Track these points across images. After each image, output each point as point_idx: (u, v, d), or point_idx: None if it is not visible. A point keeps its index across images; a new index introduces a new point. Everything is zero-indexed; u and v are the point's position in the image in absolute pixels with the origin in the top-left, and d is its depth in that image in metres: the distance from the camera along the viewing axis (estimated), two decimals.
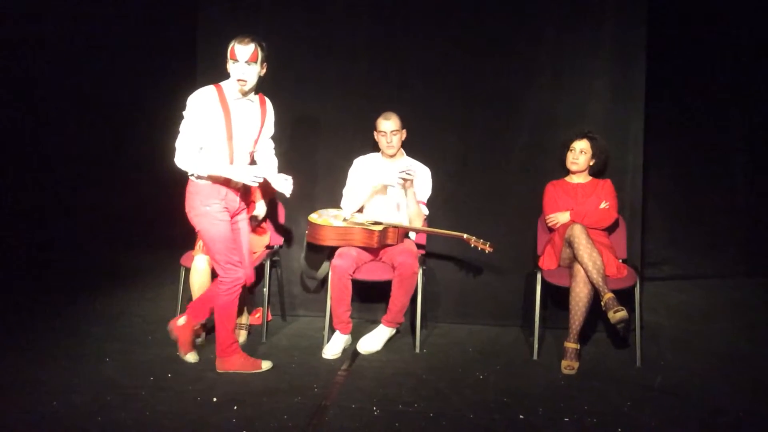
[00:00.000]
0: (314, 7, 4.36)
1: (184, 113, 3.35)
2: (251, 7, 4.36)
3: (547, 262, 3.98)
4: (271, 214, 4.24)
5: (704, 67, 5.16)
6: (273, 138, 3.70)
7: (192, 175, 3.40)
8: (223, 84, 3.39)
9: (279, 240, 4.32)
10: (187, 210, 3.45)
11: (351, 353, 3.88)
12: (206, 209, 3.40)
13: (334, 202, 4.19)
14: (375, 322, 4.09)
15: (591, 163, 4.05)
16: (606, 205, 3.95)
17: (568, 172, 4.10)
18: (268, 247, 4.22)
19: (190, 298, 4.04)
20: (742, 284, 5.20)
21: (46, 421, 3.00)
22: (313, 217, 3.94)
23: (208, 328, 3.93)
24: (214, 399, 3.24)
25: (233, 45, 3.30)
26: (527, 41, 4.25)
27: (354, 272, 3.88)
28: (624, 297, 3.63)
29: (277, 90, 3.82)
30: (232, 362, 3.55)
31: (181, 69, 4.65)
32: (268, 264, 4.05)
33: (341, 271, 3.82)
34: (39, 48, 5.93)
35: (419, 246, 4.20)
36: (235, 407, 3.15)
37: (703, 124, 5.28)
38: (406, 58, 4.34)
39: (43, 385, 3.34)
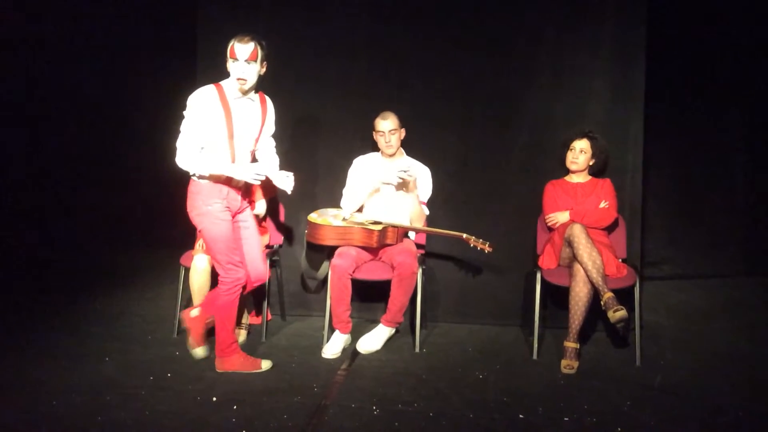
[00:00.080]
0: (314, 6, 4.36)
1: (184, 113, 3.35)
2: (251, 6, 4.36)
3: (547, 261, 3.98)
4: (272, 214, 4.25)
5: (704, 67, 5.16)
6: (273, 137, 3.70)
7: (193, 174, 3.40)
8: (223, 83, 3.39)
9: (279, 239, 4.32)
10: (188, 210, 3.45)
11: (351, 353, 3.88)
12: (208, 209, 3.40)
13: (334, 201, 4.20)
14: (375, 322, 4.09)
15: (591, 163, 4.05)
16: (606, 204, 3.95)
17: (567, 171, 4.10)
18: (268, 246, 4.22)
19: (190, 298, 4.05)
20: (742, 284, 5.20)
21: (46, 421, 2.99)
22: (313, 217, 3.94)
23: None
24: (214, 398, 3.24)
25: (233, 44, 3.30)
26: (527, 41, 4.25)
27: (354, 272, 3.88)
28: (624, 296, 3.63)
29: (276, 89, 3.82)
30: (232, 362, 3.55)
31: (181, 68, 4.65)
32: (267, 263, 4.05)
33: (341, 271, 3.82)
34: (39, 48, 5.94)
35: (419, 246, 4.20)
36: (235, 407, 3.15)
37: (703, 124, 5.28)
38: (406, 58, 4.34)
39: (43, 385, 3.35)
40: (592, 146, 4.01)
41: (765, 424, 3.05)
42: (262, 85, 3.52)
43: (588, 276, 3.63)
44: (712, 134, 5.32)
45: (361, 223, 3.90)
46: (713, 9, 5.02)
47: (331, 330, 3.95)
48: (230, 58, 3.32)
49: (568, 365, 3.61)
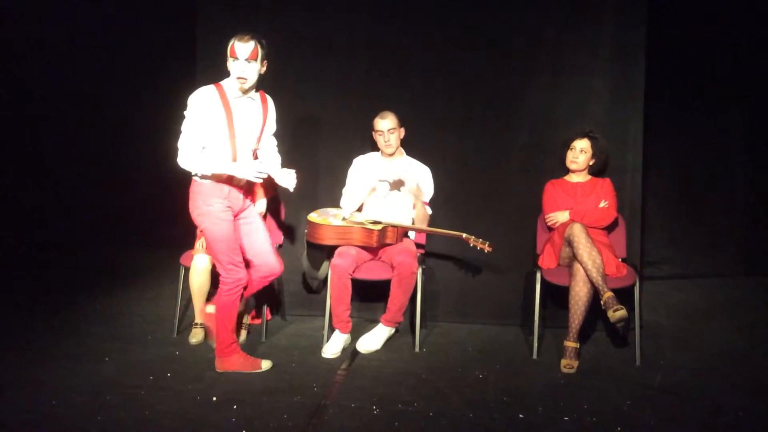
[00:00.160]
0: (314, 6, 4.36)
1: (185, 113, 3.34)
2: (251, 5, 4.36)
3: (547, 261, 3.98)
4: (272, 213, 4.25)
5: (704, 67, 5.16)
6: (274, 136, 3.70)
7: (195, 174, 3.40)
8: (224, 83, 3.39)
9: (279, 239, 4.31)
10: (190, 210, 3.46)
11: (350, 352, 3.88)
12: (209, 209, 3.40)
13: (334, 201, 4.20)
14: (374, 322, 4.09)
15: (591, 163, 4.05)
16: (605, 204, 3.95)
17: (567, 171, 4.10)
18: None
19: (190, 298, 4.05)
20: (742, 283, 5.20)
21: (46, 421, 2.99)
22: (313, 216, 3.94)
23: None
24: (214, 398, 3.24)
25: (233, 43, 3.30)
26: (527, 41, 4.25)
27: (354, 271, 3.88)
28: (623, 296, 3.63)
29: (276, 89, 3.82)
30: (232, 362, 3.55)
31: (181, 68, 4.64)
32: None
33: (341, 271, 3.82)
34: (39, 48, 5.94)
35: (419, 245, 4.20)
36: (235, 407, 3.15)
37: (703, 124, 5.28)
38: (405, 58, 4.34)
39: (43, 385, 3.34)
40: (593, 146, 4.01)
41: (765, 424, 3.05)
42: (262, 85, 3.52)
43: (588, 275, 3.63)
44: (712, 134, 5.32)
45: (361, 223, 3.90)
46: (713, 9, 5.02)
47: (331, 330, 3.95)
48: (230, 57, 3.31)
49: (568, 365, 3.61)
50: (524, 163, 4.31)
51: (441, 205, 4.28)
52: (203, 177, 3.38)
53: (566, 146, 4.06)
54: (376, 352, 3.90)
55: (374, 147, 4.18)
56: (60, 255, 5.87)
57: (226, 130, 3.36)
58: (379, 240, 3.88)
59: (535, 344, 3.82)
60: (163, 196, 5.00)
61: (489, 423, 3.03)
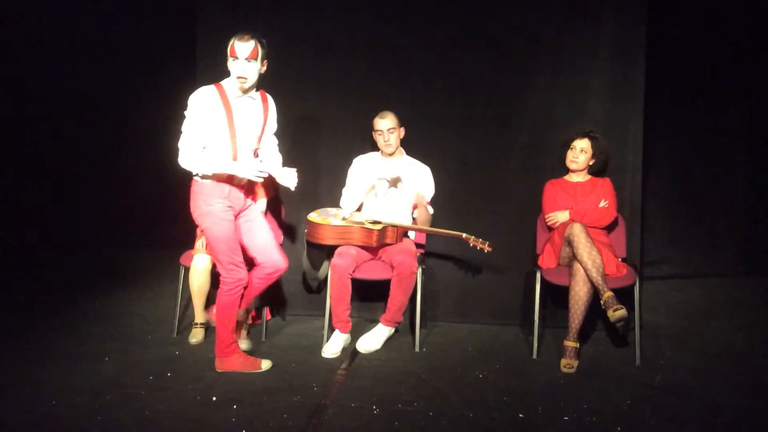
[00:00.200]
0: (314, 6, 4.36)
1: (185, 113, 3.34)
2: (251, 5, 4.36)
3: (547, 260, 3.98)
4: (273, 213, 4.24)
5: (704, 67, 5.17)
6: (275, 135, 3.70)
7: (196, 174, 3.40)
8: (224, 82, 3.39)
9: (279, 239, 4.31)
10: (191, 210, 3.46)
11: (350, 352, 3.88)
12: (209, 209, 3.40)
13: (335, 201, 4.20)
14: (374, 321, 4.09)
15: (591, 163, 4.05)
16: (605, 203, 3.95)
17: (567, 171, 4.10)
18: None
19: (190, 298, 4.05)
20: (741, 283, 5.20)
21: (46, 421, 2.99)
22: (313, 216, 3.94)
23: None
24: (214, 398, 3.24)
25: (233, 42, 3.30)
26: (527, 41, 4.25)
27: (353, 271, 3.88)
28: (623, 296, 3.63)
29: (276, 89, 3.82)
30: (232, 362, 3.55)
31: (181, 68, 4.64)
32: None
33: (341, 270, 3.82)
34: (39, 48, 5.94)
35: (418, 245, 4.20)
36: (235, 406, 3.15)
37: (703, 124, 5.28)
38: (405, 58, 4.34)
39: (43, 385, 3.34)
40: (593, 146, 4.01)
41: (765, 424, 3.05)
42: (262, 85, 3.52)
43: (588, 275, 3.63)
44: (712, 134, 5.32)
45: (361, 223, 3.90)
46: (713, 9, 5.03)
47: (331, 329, 3.95)
48: (230, 56, 3.31)
49: (568, 364, 3.61)
50: (524, 163, 4.31)
51: (441, 205, 4.27)
52: (204, 177, 3.38)
53: (566, 146, 4.07)
54: (376, 351, 3.90)
55: (374, 147, 4.18)
56: (60, 255, 5.88)
57: (227, 129, 3.36)
58: (379, 240, 3.88)
59: (535, 344, 3.82)
60: (163, 196, 5.00)
61: (489, 423, 3.03)
